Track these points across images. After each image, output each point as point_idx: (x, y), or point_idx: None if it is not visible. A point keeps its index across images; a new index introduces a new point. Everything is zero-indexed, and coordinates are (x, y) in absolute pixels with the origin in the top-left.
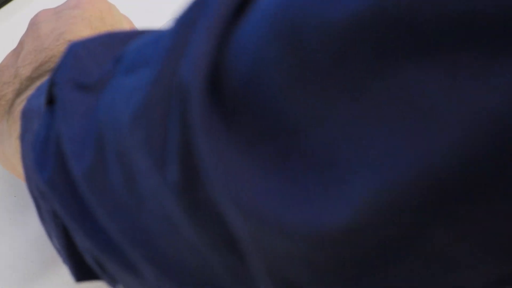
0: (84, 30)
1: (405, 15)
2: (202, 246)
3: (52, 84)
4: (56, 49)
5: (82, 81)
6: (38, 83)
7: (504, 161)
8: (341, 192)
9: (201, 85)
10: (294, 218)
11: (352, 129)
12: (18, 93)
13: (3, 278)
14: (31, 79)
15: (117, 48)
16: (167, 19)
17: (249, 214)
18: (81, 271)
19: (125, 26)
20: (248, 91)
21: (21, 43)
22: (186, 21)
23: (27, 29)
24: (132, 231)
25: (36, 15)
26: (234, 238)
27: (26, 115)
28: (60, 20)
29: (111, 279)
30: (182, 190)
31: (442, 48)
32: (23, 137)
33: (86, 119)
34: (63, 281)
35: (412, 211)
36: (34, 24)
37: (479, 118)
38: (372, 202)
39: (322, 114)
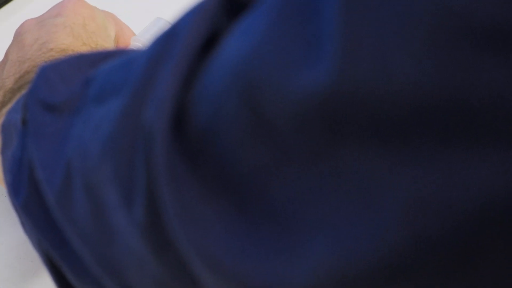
0: (66, 38)
1: (358, 101)
2: (168, 281)
3: (25, 106)
4: (39, 59)
5: (50, 102)
6: (18, 96)
7: (467, 244)
8: (301, 253)
9: (165, 129)
10: (253, 274)
11: (308, 194)
12: (1, 106)
13: (3, 278)
14: (13, 91)
15: (86, 70)
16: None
17: (209, 264)
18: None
19: (109, 31)
20: (208, 139)
21: (6, 54)
22: (154, 56)
23: (13, 40)
24: (102, 259)
25: (21, 25)
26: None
27: (5, 130)
28: (42, 29)
29: None
30: (147, 231)
31: (393, 134)
32: (3, 152)
33: (56, 144)
34: None
35: (372, 283)
36: (19, 34)
37: (424, 203)
38: (332, 269)
39: (276, 175)
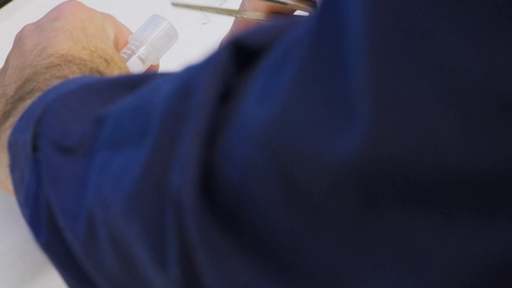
0: (65, 43)
1: (394, 167)
2: None
3: (36, 136)
4: (39, 65)
5: (63, 143)
6: (21, 108)
7: None
8: None
9: (194, 195)
10: None
11: (347, 258)
12: (3, 117)
13: (3, 278)
14: (13, 102)
15: (95, 103)
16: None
17: None
18: None
19: (108, 33)
20: (240, 205)
21: (7, 60)
22: (171, 112)
23: (13, 46)
24: None
25: (21, 30)
26: None
27: (12, 149)
28: (41, 34)
29: None
30: None
31: (436, 199)
32: (12, 171)
33: (73, 190)
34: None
35: None
36: (19, 40)
37: (469, 264)
38: None
39: (313, 240)
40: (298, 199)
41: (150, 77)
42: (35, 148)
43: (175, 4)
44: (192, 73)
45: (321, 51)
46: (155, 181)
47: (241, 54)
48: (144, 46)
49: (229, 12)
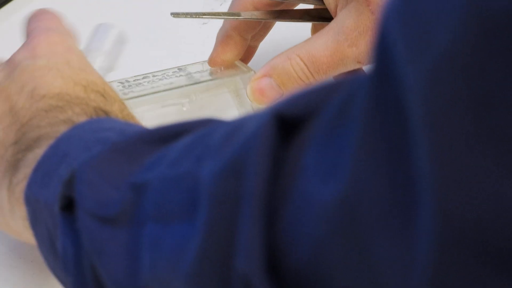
0: (55, 81)
1: (472, 252)
2: None
3: (66, 198)
4: (35, 107)
5: (103, 214)
6: (30, 158)
7: None
8: None
9: (263, 279)
10: None
11: None
12: (13, 168)
13: (3, 278)
14: (18, 152)
15: (125, 162)
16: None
17: None
18: None
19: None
20: (310, 281)
21: None
22: (223, 193)
23: None
24: None
25: None
26: None
27: (31, 204)
28: (24, 75)
29: None
30: None
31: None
32: (34, 226)
33: (125, 263)
34: None
35: None
36: None
37: None
38: None
39: None
40: (371, 278)
41: (178, 132)
42: (64, 207)
43: (175, 15)
44: (239, 149)
45: (380, 125)
46: (215, 265)
47: (284, 124)
48: (101, 57)
49: (228, 15)
